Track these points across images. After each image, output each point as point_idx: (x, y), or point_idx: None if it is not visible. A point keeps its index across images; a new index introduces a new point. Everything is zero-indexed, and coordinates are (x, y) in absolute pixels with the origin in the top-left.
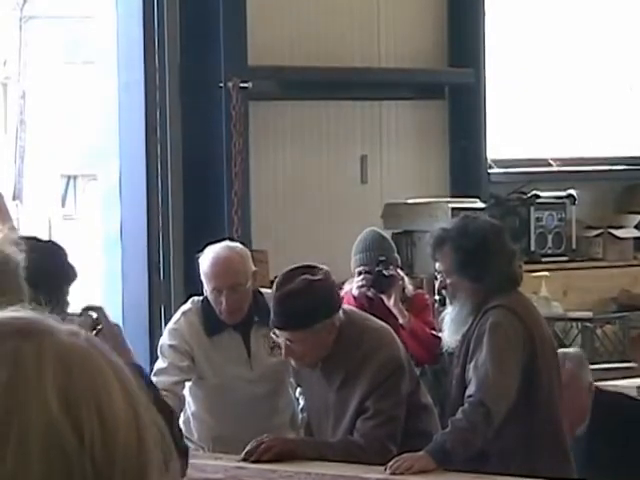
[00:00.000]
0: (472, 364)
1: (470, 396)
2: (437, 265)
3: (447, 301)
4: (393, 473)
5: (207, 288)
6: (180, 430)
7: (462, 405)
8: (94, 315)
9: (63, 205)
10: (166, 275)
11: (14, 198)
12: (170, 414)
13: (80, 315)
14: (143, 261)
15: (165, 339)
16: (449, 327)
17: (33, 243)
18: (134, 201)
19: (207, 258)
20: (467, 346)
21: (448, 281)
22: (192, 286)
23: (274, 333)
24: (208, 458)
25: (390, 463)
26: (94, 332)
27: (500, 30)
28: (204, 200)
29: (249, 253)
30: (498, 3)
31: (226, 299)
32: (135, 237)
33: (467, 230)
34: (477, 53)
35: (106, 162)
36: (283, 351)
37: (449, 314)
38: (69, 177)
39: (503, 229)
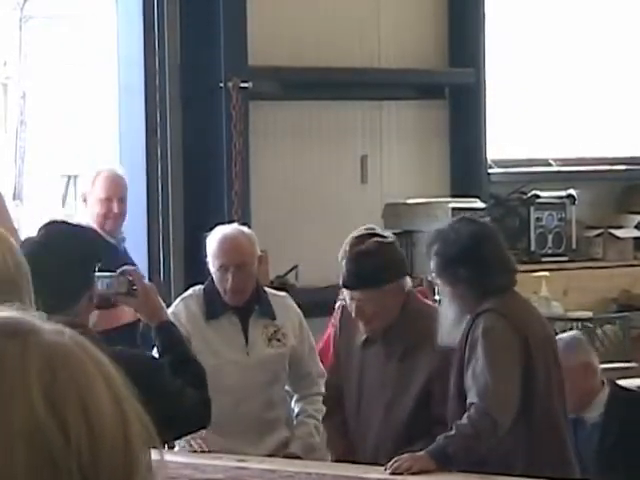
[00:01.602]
0: (469, 372)
1: (473, 403)
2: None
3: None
4: (393, 473)
5: (213, 267)
6: None
7: (461, 412)
8: (130, 277)
9: (63, 205)
10: (166, 276)
11: (14, 198)
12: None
13: (117, 276)
14: (143, 262)
15: None
16: (444, 331)
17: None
18: (134, 201)
19: (215, 237)
20: (462, 353)
21: (438, 283)
22: (192, 286)
23: (345, 295)
24: (208, 458)
25: (390, 463)
26: (130, 292)
27: (500, 30)
28: (204, 200)
29: (256, 237)
30: (498, 3)
31: (232, 277)
32: (135, 237)
33: (449, 236)
34: (477, 53)
35: (106, 162)
36: (353, 313)
37: (443, 316)
38: (69, 177)
39: (492, 236)
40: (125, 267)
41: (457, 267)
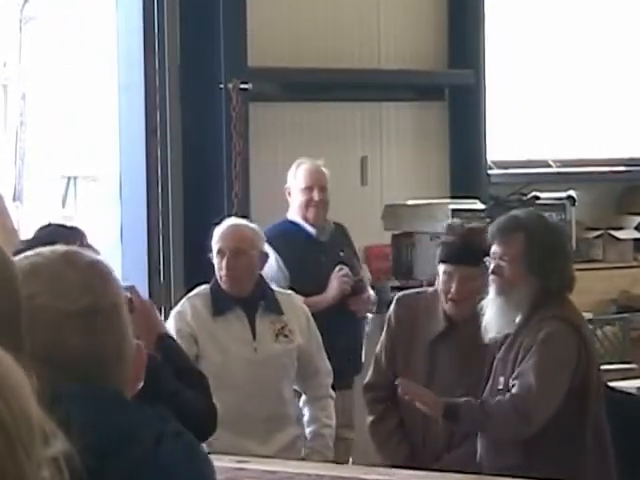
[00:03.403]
0: (518, 370)
1: (511, 394)
2: (497, 249)
3: (494, 288)
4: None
5: (213, 254)
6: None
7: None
8: (128, 294)
9: (63, 206)
10: (166, 277)
11: (14, 199)
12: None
13: None
14: (143, 263)
15: (170, 323)
16: (495, 318)
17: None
18: (134, 202)
19: (219, 226)
20: (516, 354)
21: (509, 268)
22: (192, 288)
23: (444, 271)
24: None
25: (405, 381)
26: (128, 307)
27: (500, 31)
28: (204, 201)
29: (263, 235)
30: (498, 4)
31: (227, 262)
32: (135, 239)
33: (547, 226)
34: (477, 54)
35: (106, 163)
36: (451, 290)
37: (494, 303)
38: (69, 178)
39: (567, 231)
40: (123, 284)
41: (554, 257)
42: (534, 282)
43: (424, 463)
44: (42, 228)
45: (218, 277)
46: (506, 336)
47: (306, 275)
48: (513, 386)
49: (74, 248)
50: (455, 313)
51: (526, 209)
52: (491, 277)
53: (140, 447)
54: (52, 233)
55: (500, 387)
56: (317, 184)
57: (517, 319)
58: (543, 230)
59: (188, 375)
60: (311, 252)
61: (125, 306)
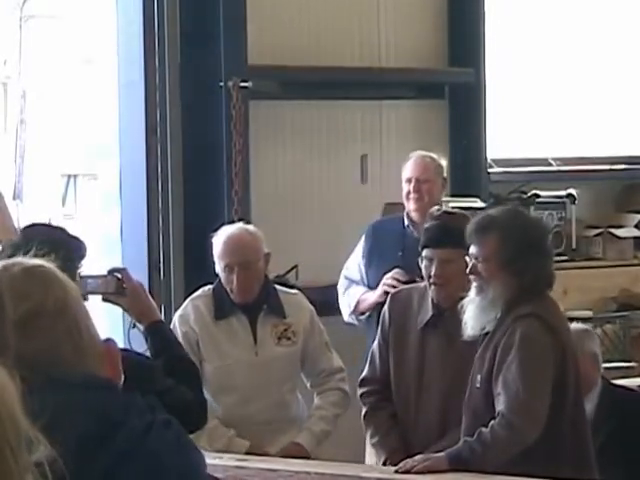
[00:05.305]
0: (501, 378)
1: (501, 413)
2: (473, 249)
3: (473, 288)
4: (406, 471)
5: (219, 267)
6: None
7: (487, 415)
8: (119, 275)
9: (63, 204)
10: (166, 274)
11: (14, 197)
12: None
13: (106, 276)
14: (143, 260)
15: (175, 325)
16: (473, 316)
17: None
18: (134, 200)
19: (220, 238)
20: (494, 352)
21: (483, 268)
22: (192, 285)
23: (424, 256)
24: (208, 458)
25: (402, 464)
26: (119, 291)
27: (500, 30)
28: (204, 200)
29: (262, 235)
30: (498, 3)
31: (237, 277)
32: (135, 236)
33: (522, 224)
34: (477, 53)
35: (106, 161)
36: (431, 273)
37: (473, 302)
38: (69, 176)
39: (547, 227)
40: (114, 267)
41: (528, 255)
42: (509, 280)
43: (414, 452)
44: (26, 228)
45: (228, 289)
46: (486, 334)
47: (377, 268)
48: (499, 394)
49: (16, 258)
50: (439, 297)
51: (503, 207)
52: (470, 277)
53: (130, 434)
54: (36, 232)
55: (478, 385)
56: (416, 175)
57: (498, 316)
58: (518, 228)
59: (179, 365)
60: (393, 246)
61: (79, 303)
